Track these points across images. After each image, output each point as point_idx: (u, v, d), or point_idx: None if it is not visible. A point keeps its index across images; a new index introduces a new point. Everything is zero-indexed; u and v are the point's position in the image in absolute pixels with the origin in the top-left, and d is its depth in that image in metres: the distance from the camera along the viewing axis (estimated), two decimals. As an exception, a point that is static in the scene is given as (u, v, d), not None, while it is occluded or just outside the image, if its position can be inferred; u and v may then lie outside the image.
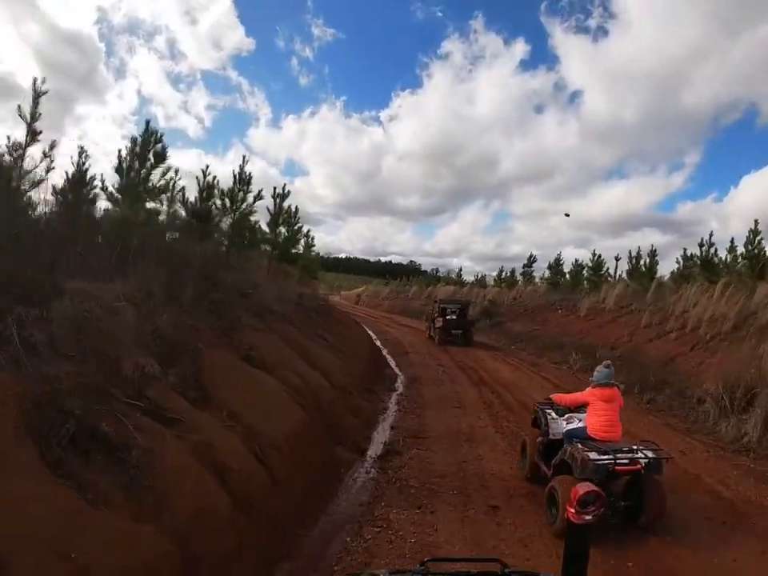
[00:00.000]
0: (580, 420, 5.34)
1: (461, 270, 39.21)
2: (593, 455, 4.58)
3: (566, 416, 5.59)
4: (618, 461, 4.49)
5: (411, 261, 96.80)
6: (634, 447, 4.72)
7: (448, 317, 20.09)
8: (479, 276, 35.67)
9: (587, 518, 1.03)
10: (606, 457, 4.53)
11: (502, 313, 24.49)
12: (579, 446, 4.81)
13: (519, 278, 28.92)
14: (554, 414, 5.72)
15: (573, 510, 1.03)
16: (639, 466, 4.58)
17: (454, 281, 37.23)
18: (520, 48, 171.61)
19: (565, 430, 5.33)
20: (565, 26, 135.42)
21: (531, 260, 28.21)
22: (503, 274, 31.04)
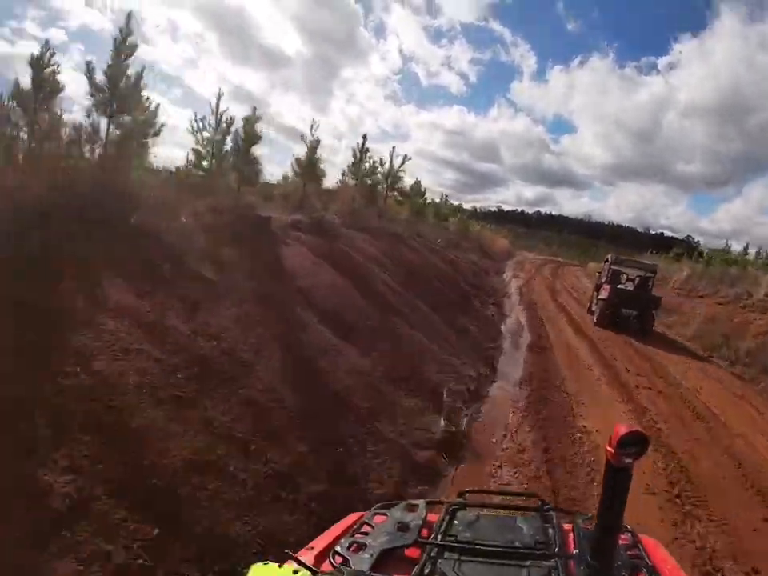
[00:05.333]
0: None
1: None
2: None
3: None
4: None
5: (689, 236, 77.18)
6: None
7: (620, 286, 14.21)
8: None
9: (627, 460, 0.96)
10: None
11: None
12: None
13: None
14: None
15: (612, 451, 0.96)
16: None
17: None
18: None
19: None
20: None
21: None
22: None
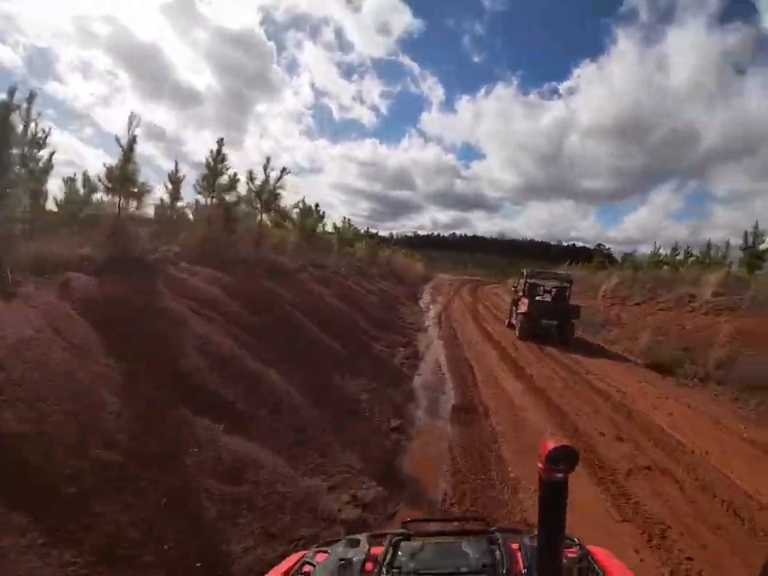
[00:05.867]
0: None
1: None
2: None
3: None
4: None
5: (599, 245, 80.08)
6: None
7: (538, 298, 14.22)
8: None
9: (558, 475, 0.98)
10: None
11: None
12: None
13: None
14: None
15: (542, 467, 0.99)
16: None
17: None
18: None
19: None
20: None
21: None
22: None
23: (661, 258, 20.78)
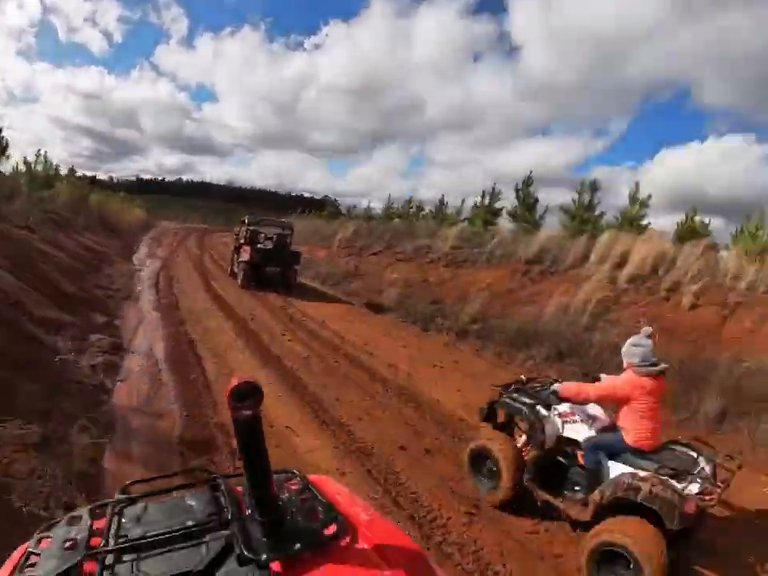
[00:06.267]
0: (591, 419, 3.35)
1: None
2: (687, 487, 2.78)
3: (561, 409, 3.40)
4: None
5: (326, 196, 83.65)
6: (697, 457, 3.06)
7: (259, 245, 13.89)
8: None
9: (246, 412, 0.91)
10: (696, 486, 2.78)
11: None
12: (639, 471, 2.94)
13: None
14: (541, 408, 3.47)
15: (230, 406, 0.92)
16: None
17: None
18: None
19: (586, 438, 3.25)
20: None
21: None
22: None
23: (394, 211, 21.14)
